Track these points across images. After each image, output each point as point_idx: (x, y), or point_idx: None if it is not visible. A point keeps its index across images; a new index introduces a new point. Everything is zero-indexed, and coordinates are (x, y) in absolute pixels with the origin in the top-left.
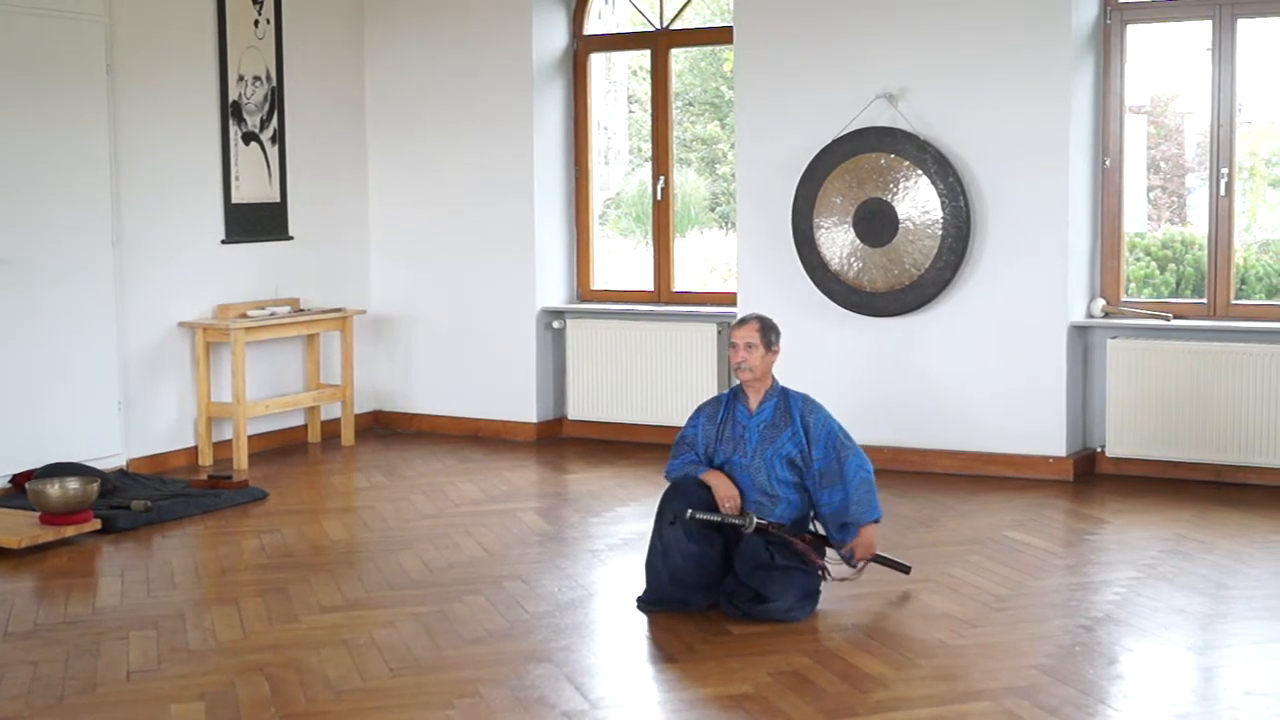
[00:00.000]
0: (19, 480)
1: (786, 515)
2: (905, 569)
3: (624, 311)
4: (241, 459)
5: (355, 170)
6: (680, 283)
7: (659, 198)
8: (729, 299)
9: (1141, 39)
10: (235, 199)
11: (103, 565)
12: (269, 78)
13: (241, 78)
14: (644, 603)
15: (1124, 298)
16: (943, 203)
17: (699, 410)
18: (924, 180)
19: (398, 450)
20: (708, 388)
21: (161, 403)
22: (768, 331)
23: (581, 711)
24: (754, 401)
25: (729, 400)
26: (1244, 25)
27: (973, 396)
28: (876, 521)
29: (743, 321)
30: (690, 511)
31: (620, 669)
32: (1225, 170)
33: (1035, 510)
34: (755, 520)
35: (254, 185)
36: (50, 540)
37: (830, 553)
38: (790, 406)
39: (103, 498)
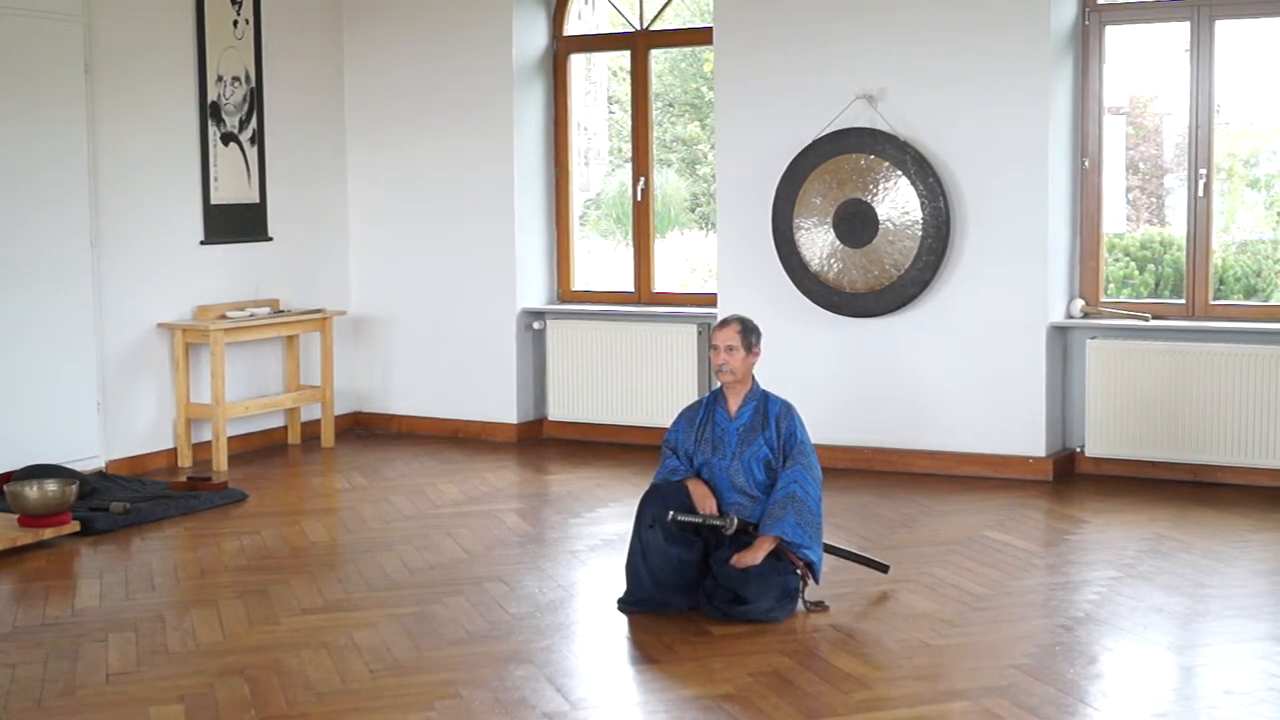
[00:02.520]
0: None
1: None
2: (883, 568)
3: (604, 312)
4: (221, 460)
5: (335, 171)
6: (660, 283)
7: (639, 198)
8: (709, 300)
9: (1120, 40)
10: (214, 200)
11: (81, 567)
12: (248, 78)
13: (220, 78)
14: (624, 604)
15: (1103, 298)
16: (922, 203)
17: (681, 414)
18: (904, 181)
19: (378, 451)
20: (688, 388)
21: (140, 404)
22: (748, 333)
23: (562, 712)
24: (734, 405)
25: (709, 403)
26: (1221, 26)
27: (952, 397)
28: (780, 539)
29: (724, 323)
30: (671, 513)
31: (601, 670)
32: (1204, 171)
33: (1015, 510)
34: (736, 521)
35: (233, 186)
36: (28, 542)
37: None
38: (769, 410)
39: (81, 499)
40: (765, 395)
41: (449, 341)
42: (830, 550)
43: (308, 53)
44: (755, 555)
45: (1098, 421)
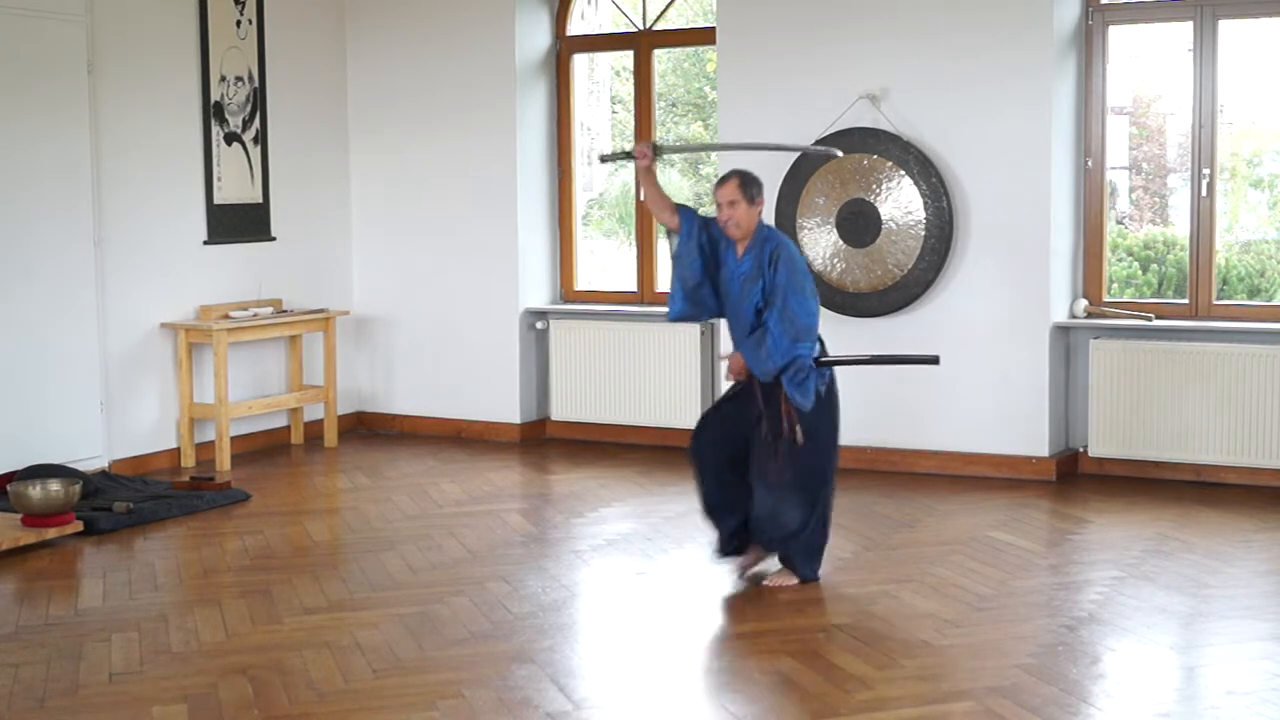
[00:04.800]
0: (0, 482)
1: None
2: (934, 360)
3: (607, 312)
4: (224, 460)
5: (338, 171)
6: (663, 283)
7: (642, 198)
8: None
9: (1123, 40)
10: (218, 199)
11: (84, 567)
12: (251, 78)
13: (223, 78)
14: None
15: (1106, 298)
16: (925, 203)
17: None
18: (906, 181)
19: (380, 451)
20: (691, 388)
21: (143, 404)
22: (748, 186)
23: (565, 712)
24: (740, 249)
25: (726, 239)
26: (1225, 26)
27: (955, 397)
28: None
29: (722, 181)
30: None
31: (604, 670)
32: (1207, 171)
33: (1018, 510)
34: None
35: (236, 186)
36: (32, 542)
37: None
38: (763, 258)
39: (85, 499)
40: (764, 240)
41: (452, 341)
42: (879, 360)
43: (311, 52)
44: (735, 362)
45: (1101, 421)
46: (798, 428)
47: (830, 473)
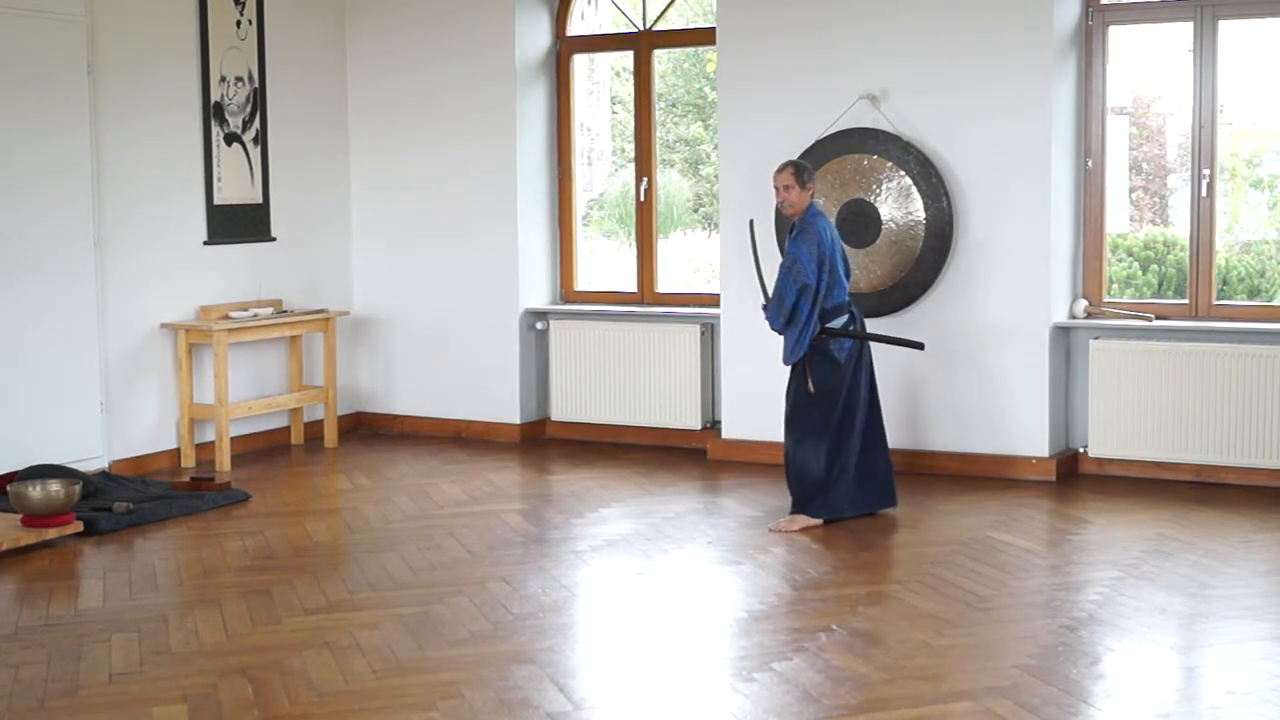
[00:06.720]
0: (0, 482)
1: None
2: (918, 346)
3: (607, 313)
4: (224, 461)
5: (338, 171)
6: (663, 284)
7: (642, 199)
8: (712, 300)
9: (1123, 40)
10: (218, 200)
11: (85, 567)
12: (251, 78)
13: (223, 78)
14: None
15: (1106, 298)
16: (925, 204)
17: None
18: (906, 181)
19: (380, 451)
20: (691, 388)
21: (144, 404)
22: (801, 173)
23: (565, 713)
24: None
25: None
26: (1225, 26)
27: (955, 397)
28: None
29: (780, 169)
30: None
31: (603, 670)
32: (1207, 171)
33: (1018, 510)
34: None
35: (236, 186)
36: (32, 542)
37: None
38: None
39: (85, 499)
40: (804, 220)
41: (452, 342)
42: (869, 337)
43: (311, 53)
44: None
45: (1101, 422)
46: (810, 381)
47: (811, 431)
